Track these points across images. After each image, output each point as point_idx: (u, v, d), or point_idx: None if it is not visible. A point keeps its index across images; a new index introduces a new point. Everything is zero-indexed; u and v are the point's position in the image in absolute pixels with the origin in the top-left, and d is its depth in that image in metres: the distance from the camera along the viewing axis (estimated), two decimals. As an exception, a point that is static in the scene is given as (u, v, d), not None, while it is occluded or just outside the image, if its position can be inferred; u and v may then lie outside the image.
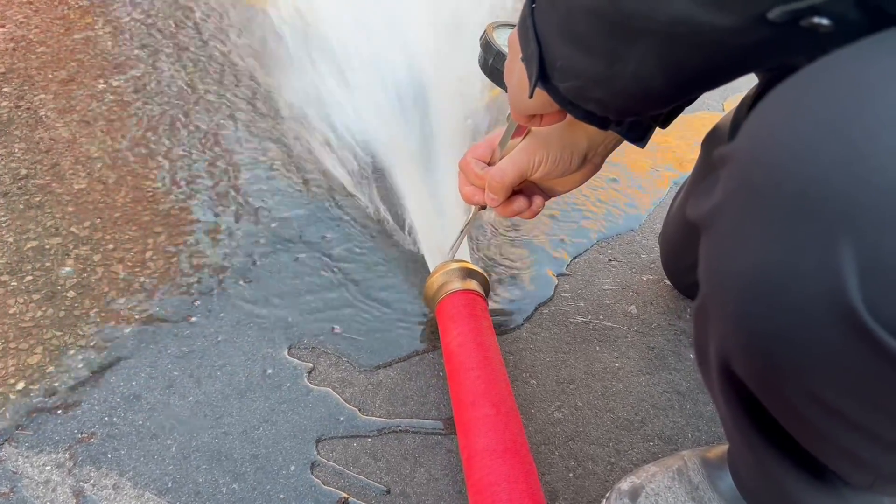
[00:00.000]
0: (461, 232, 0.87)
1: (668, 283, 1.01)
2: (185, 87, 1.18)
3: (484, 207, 0.78)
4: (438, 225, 0.99)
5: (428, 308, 0.90)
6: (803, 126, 0.34)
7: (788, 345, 0.36)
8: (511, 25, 0.81)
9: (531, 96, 0.57)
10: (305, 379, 0.81)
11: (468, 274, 0.85)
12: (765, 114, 0.37)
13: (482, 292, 0.85)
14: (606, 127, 0.58)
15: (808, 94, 0.35)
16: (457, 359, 0.76)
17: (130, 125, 1.10)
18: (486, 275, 0.87)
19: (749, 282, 0.37)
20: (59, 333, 0.82)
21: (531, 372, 0.85)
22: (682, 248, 0.94)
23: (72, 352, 0.81)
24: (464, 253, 0.95)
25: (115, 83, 1.17)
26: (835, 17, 0.35)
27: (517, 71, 0.60)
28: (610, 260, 1.04)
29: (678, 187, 0.98)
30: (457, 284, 0.84)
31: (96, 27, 1.28)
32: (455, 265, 0.85)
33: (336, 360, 0.84)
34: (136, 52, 1.24)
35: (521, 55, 0.58)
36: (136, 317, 0.86)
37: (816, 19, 0.35)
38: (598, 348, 0.90)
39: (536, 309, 0.94)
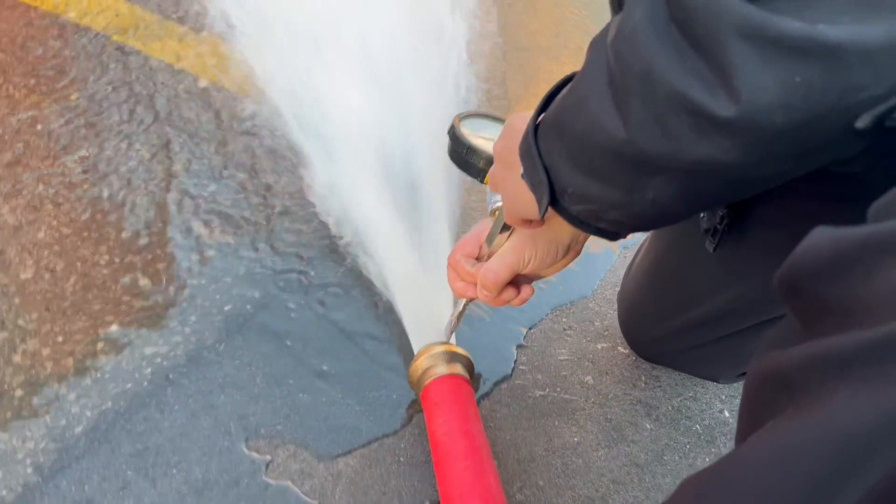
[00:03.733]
0: (453, 322, 0.87)
1: (623, 350, 1.03)
2: (136, 166, 1.18)
3: (474, 299, 0.79)
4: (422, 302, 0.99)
5: (413, 391, 0.90)
6: None
7: None
8: (478, 115, 0.83)
9: (542, 217, 0.57)
10: (263, 473, 0.80)
11: (452, 357, 0.85)
12: None
13: (467, 376, 0.86)
14: (616, 239, 0.59)
15: None
16: (443, 448, 0.76)
17: (79, 208, 1.09)
18: (469, 356, 0.87)
19: None
20: (5, 436, 0.80)
21: (493, 452, 0.85)
22: (643, 309, 0.96)
23: (20, 455, 0.78)
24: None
25: (62, 164, 1.16)
26: None
27: (511, 181, 0.61)
28: (565, 329, 1.05)
29: (636, 248, 1.00)
30: (442, 369, 0.84)
31: (42, 106, 1.27)
32: (439, 348, 0.85)
33: (294, 450, 0.83)
34: (84, 131, 1.23)
35: (516, 172, 0.59)
36: (88, 414, 0.84)
37: None
38: (556, 423, 0.91)
39: (495, 385, 0.95)
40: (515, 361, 0.98)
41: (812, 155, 0.41)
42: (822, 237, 0.36)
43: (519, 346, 1.01)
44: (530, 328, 1.04)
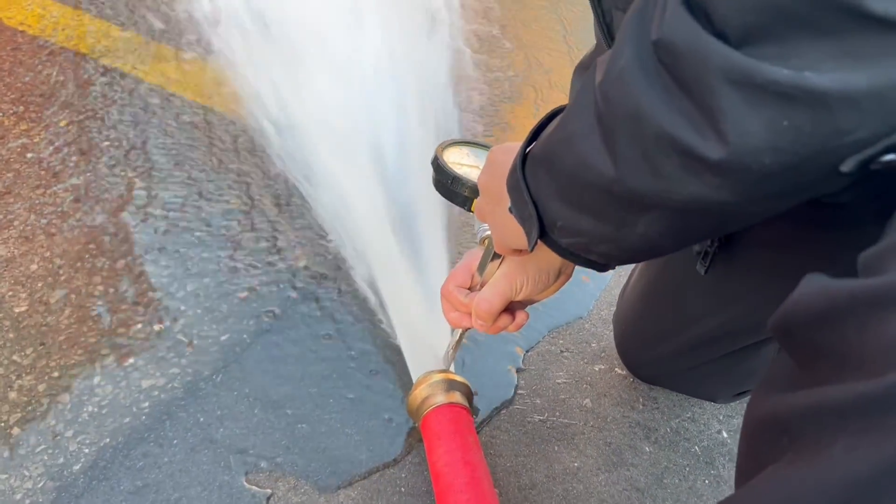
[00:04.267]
0: (451, 352, 0.87)
1: (620, 371, 1.03)
2: (129, 193, 1.17)
3: (469, 328, 0.79)
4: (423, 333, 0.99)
5: (412, 420, 0.89)
6: None
7: None
8: (461, 143, 0.83)
9: (531, 250, 0.58)
10: (265, 508, 0.79)
11: (451, 385, 0.85)
12: None
13: (466, 404, 0.86)
14: (605, 270, 0.60)
15: None
16: (445, 480, 0.76)
17: (72, 238, 1.08)
18: (468, 383, 0.87)
19: None
20: (3, 476, 0.79)
21: (493, 480, 0.85)
22: (639, 331, 0.97)
23: (18, 496, 0.78)
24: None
25: (54, 193, 1.15)
26: None
27: (499, 213, 0.62)
28: (562, 351, 1.05)
29: (630, 267, 1.01)
30: (441, 398, 0.84)
31: (32, 133, 1.26)
32: (438, 376, 0.85)
33: (295, 483, 0.82)
34: (75, 158, 1.22)
35: (504, 204, 0.59)
36: (86, 451, 0.83)
37: (889, 157, 0.36)
38: (556, 448, 0.91)
39: (494, 410, 0.95)
40: (516, 387, 0.98)
41: (800, 192, 0.42)
42: (813, 288, 0.36)
43: (518, 370, 1.01)
44: (527, 351, 1.04)
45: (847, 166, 0.37)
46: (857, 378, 0.32)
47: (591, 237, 0.53)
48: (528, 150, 0.57)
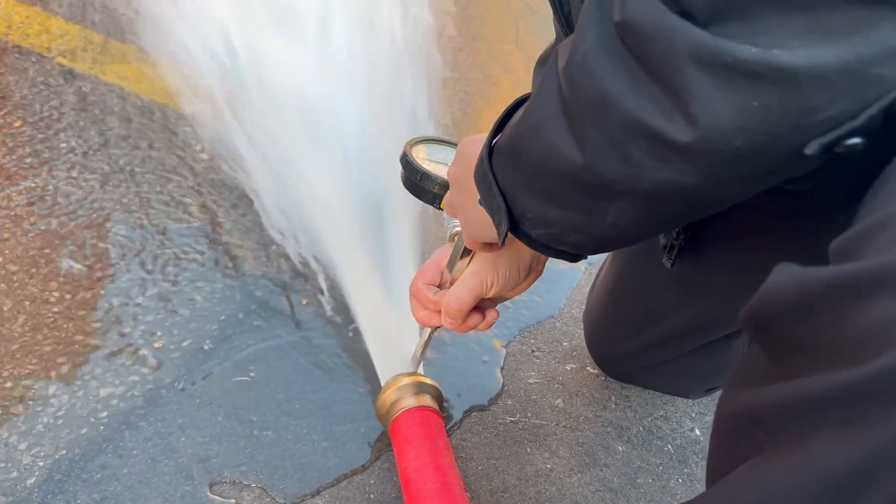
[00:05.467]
0: (419, 352, 0.85)
1: (592, 370, 1.02)
2: (86, 196, 1.14)
3: (439, 327, 0.78)
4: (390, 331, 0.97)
5: (382, 425, 0.87)
6: None
7: None
8: (429, 140, 0.82)
9: (502, 244, 0.57)
10: (229, 519, 0.77)
11: (420, 388, 0.83)
12: None
13: (436, 407, 0.84)
14: (577, 260, 0.59)
15: None
16: (415, 486, 0.74)
17: (26, 243, 1.05)
18: (437, 386, 0.86)
19: None
20: (-48, 493, 0.76)
21: (465, 484, 0.84)
22: (608, 327, 0.96)
23: (-33, 514, 0.74)
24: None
25: (7, 196, 1.11)
26: (866, 134, 0.35)
27: (470, 207, 0.60)
28: (533, 351, 1.04)
29: (600, 264, 0.99)
30: (410, 401, 0.82)
31: (-16, 134, 1.22)
32: (407, 379, 0.83)
33: (260, 492, 0.80)
34: (29, 160, 1.18)
35: (474, 197, 0.58)
36: (41, 464, 0.80)
37: (853, 141, 0.35)
38: (528, 450, 0.90)
39: (465, 413, 0.93)
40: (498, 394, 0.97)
41: (770, 175, 0.41)
42: (785, 277, 0.35)
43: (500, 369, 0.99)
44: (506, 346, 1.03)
45: (811, 149, 0.36)
46: (835, 369, 0.31)
47: (562, 227, 0.51)
48: (494, 141, 0.55)
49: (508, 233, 0.55)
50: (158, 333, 0.95)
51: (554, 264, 1.17)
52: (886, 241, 0.31)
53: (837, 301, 0.32)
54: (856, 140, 0.35)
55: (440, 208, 0.76)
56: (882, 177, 0.35)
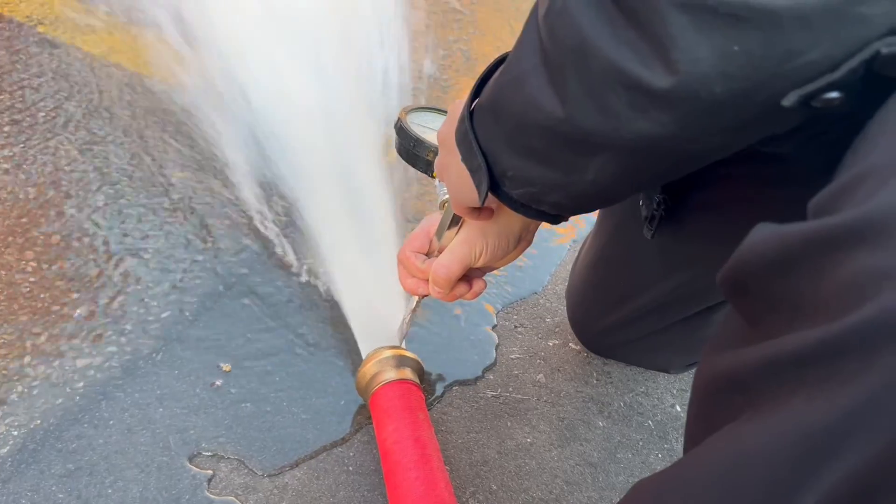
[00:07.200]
0: (406, 321, 0.85)
1: (574, 346, 1.02)
2: (65, 166, 1.12)
3: (426, 296, 0.77)
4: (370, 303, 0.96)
5: (362, 398, 0.87)
6: None
7: None
8: (424, 108, 0.81)
9: (482, 204, 0.56)
10: (206, 489, 0.76)
11: (401, 361, 0.83)
12: None
13: (417, 380, 0.83)
14: (558, 222, 0.58)
15: None
16: (393, 458, 0.74)
17: (2, 212, 1.03)
18: (418, 359, 0.85)
19: None
20: (-76, 461, 0.75)
21: (445, 457, 0.83)
22: (590, 300, 0.95)
23: (-61, 482, 0.73)
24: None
25: (-16, 163, 1.09)
26: (844, 88, 0.35)
27: (454, 168, 0.59)
28: (516, 327, 1.04)
29: (581, 242, 0.99)
30: (390, 374, 0.81)
31: (-39, 101, 1.20)
32: (388, 352, 0.83)
33: (238, 463, 0.79)
34: (7, 128, 1.16)
35: (458, 157, 0.57)
36: (15, 433, 0.79)
37: (831, 95, 0.35)
38: (509, 424, 0.90)
39: (447, 388, 0.92)
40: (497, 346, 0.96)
41: (750, 128, 0.41)
42: (766, 234, 0.35)
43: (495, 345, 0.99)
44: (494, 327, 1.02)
45: (789, 101, 0.36)
46: (813, 326, 0.31)
47: (542, 185, 0.51)
48: (476, 100, 0.54)
49: (490, 194, 0.55)
50: (137, 304, 0.94)
51: (540, 240, 1.16)
52: (865, 193, 0.30)
53: (816, 255, 0.31)
54: (834, 94, 0.34)
55: (433, 176, 0.76)
56: (861, 133, 0.35)
